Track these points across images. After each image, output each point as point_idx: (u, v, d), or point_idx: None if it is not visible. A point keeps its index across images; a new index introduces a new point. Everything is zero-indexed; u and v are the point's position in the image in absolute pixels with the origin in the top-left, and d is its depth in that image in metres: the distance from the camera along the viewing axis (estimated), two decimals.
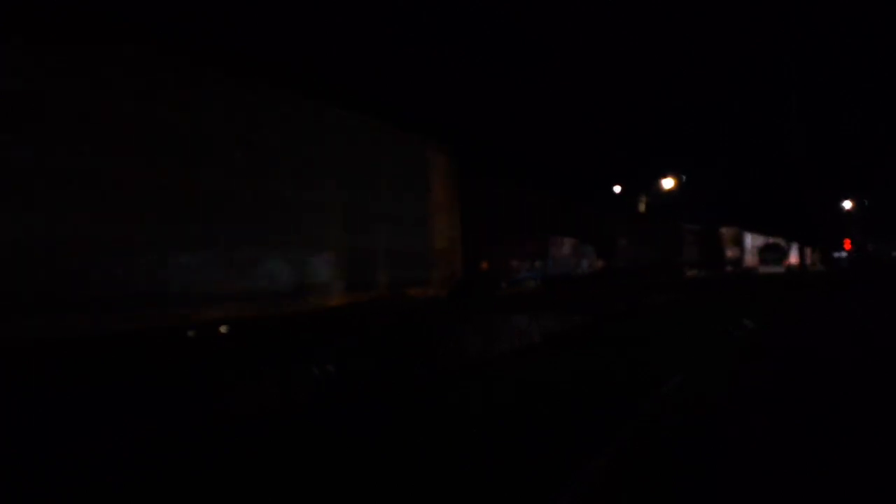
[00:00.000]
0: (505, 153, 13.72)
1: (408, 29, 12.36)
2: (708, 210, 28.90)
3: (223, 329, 4.87)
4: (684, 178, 29.08)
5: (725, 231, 29.06)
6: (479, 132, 12.60)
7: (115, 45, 4.60)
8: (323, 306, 6.35)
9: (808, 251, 42.53)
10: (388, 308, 7.01)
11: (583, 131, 21.39)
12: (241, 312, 5.29)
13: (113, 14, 4.63)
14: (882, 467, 2.85)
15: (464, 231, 9.25)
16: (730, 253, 29.08)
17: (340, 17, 10.09)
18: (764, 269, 31.79)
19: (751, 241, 32.88)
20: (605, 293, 11.34)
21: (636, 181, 27.18)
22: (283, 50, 7.91)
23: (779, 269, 32.67)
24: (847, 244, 50.42)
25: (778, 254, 37.01)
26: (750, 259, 31.61)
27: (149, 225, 4.69)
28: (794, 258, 38.50)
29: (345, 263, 6.70)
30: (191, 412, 3.74)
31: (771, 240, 36.73)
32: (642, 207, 28.16)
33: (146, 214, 4.65)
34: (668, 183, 28.05)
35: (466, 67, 14.38)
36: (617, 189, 25.05)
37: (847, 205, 47.08)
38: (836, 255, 48.03)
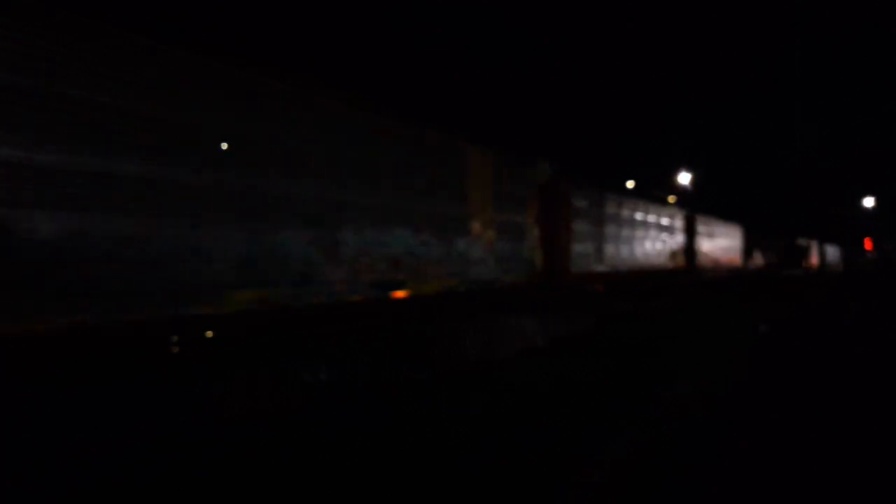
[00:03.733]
0: None
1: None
2: (721, 207, 29.31)
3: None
4: (698, 175, 29.16)
5: (802, 240, 40.93)
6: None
7: None
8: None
9: (827, 251, 43.17)
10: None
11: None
12: None
13: None
14: None
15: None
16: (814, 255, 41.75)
17: None
18: (786, 271, 33.43)
19: (829, 249, 44.41)
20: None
21: (648, 177, 27.77)
22: None
23: (797, 272, 34.18)
24: (868, 244, 50.57)
25: (799, 254, 38.25)
26: (815, 260, 42.70)
27: None
28: (813, 258, 39.95)
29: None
30: (187, 413, 3.68)
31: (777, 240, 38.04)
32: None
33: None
34: (683, 179, 28.38)
35: None
36: (630, 184, 25.03)
37: (868, 203, 46.30)
38: (868, 255, 48.09)
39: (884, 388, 5.06)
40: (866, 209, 46.73)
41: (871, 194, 45.33)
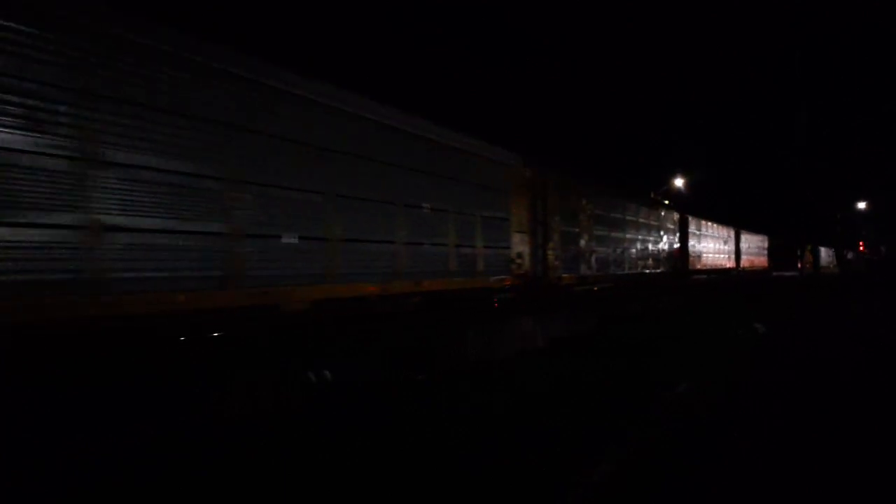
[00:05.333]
0: None
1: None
2: (717, 208, 30.17)
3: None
4: (693, 177, 29.29)
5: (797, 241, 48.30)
6: None
7: None
8: None
9: (821, 251, 44.23)
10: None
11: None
12: None
13: None
14: None
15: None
16: (808, 256, 47.83)
17: None
18: (777, 273, 35.34)
19: (823, 250, 50.26)
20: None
21: (646, 179, 29.42)
22: None
23: (792, 273, 35.74)
24: (861, 246, 53.08)
25: (791, 255, 39.38)
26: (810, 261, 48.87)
27: None
28: (808, 259, 40.29)
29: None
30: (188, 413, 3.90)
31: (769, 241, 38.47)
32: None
33: None
34: (678, 182, 28.62)
35: None
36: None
37: (864, 204, 46.29)
38: (861, 256, 50.42)
39: (885, 390, 4.88)
40: (862, 210, 46.59)
41: (868, 195, 45.01)
